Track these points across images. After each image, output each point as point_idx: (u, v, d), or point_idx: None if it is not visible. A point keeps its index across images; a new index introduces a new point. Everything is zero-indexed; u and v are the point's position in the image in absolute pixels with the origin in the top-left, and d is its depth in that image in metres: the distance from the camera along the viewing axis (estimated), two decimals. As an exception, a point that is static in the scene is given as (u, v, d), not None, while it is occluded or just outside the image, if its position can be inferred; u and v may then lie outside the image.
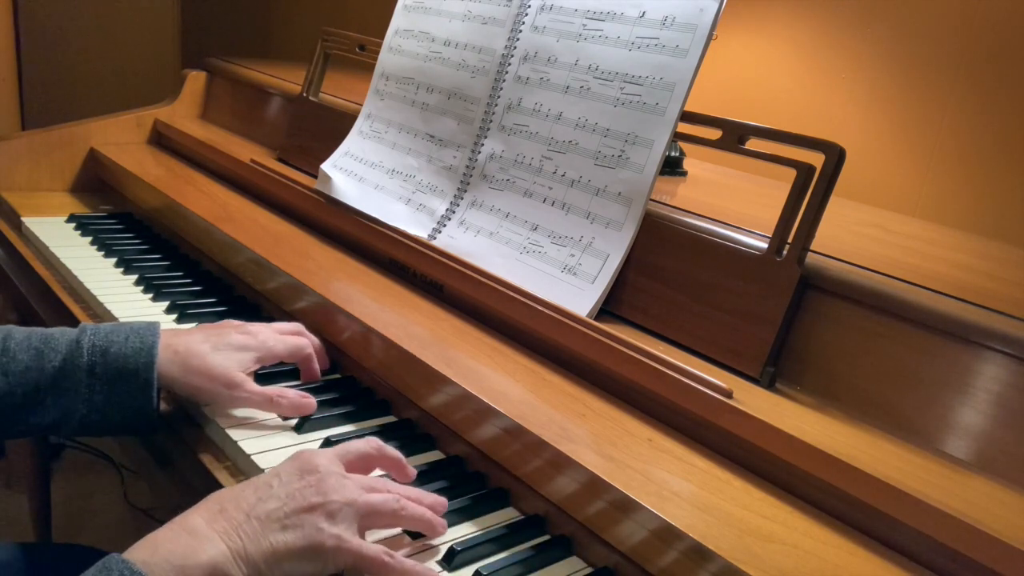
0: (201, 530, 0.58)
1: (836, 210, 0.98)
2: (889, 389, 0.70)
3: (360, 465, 0.70)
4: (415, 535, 0.68)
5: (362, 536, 0.63)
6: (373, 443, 0.71)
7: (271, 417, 0.82)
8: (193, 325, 1.00)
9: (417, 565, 0.62)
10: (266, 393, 0.81)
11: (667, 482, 0.65)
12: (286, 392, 0.81)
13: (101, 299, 1.04)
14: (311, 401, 0.82)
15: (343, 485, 0.63)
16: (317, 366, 0.90)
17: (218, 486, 0.73)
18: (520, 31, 1.01)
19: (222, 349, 0.82)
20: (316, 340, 0.92)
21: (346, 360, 0.94)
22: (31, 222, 1.30)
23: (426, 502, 0.68)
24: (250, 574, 0.58)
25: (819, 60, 1.37)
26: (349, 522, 0.62)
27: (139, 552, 0.56)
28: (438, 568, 0.65)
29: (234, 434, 0.78)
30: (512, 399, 0.75)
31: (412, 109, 1.13)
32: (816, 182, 0.76)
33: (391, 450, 0.72)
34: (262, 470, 0.72)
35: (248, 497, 0.61)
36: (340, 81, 1.49)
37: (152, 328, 0.81)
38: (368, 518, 0.63)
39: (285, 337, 0.87)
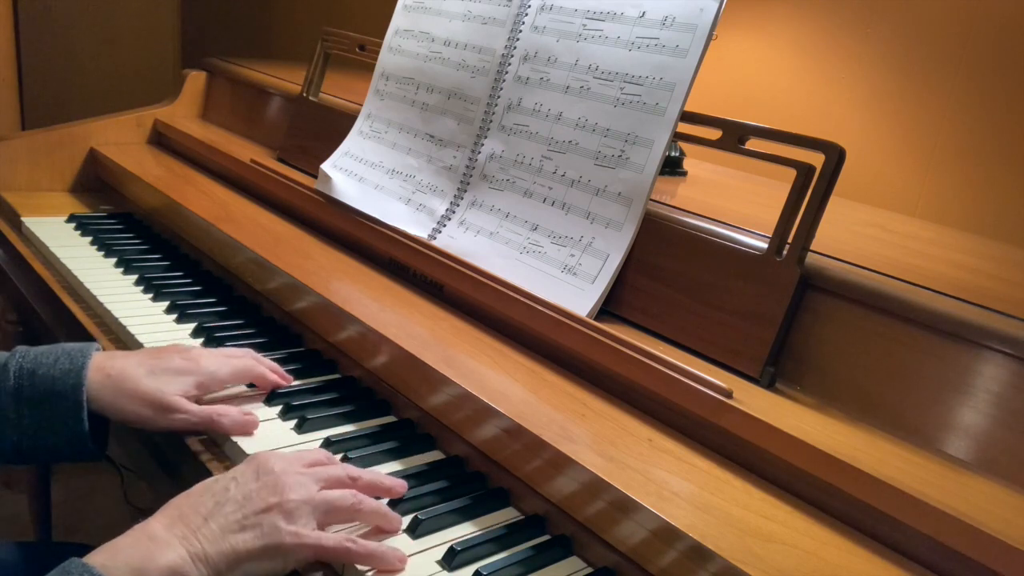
0: (160, 535, 0.59)
1: (836, 210, 0.98)
2: (889, 389, 0.70)
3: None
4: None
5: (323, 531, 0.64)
6: (324, 454, 0.71)
7: (271, 417, 0.82)
8: (193, 325, 1.00)
9: (381, 546, 0.64)
10: (205, 412, 0.77)
11: (667, 482, 0.65)
12: (228, 410, 0.78)
13: (101, 299, 1.04)
14: (254, 419, 0.79)
15: (299, 483, 0.64)
16: (273, 376, 0.86)
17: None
18: (520, 31, 1.01)
19: (158, 374, 0.78)
20: (270, 362, 0.88)
21: (346, 360, 0.94)
22: (31, 222, 1.30)
23: (385, 485, 0.70)
24: (210, 575, 0.59)
25: (819, 60, 1.37)
26: (307, 519, 0.63)
27: (99, 556, 0.57)
28: (437, 568, 0.65)
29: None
30: (512, 399, 0.75)
31: (412, 109, 1.13)
32: (816, 182, 0.76)
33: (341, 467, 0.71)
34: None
35: (206, 502, 0.62)
36: (340, 81, 1.49)
37: (84, 350, 0.78)
38: (327, 514, 0.64)
39: (230, 360, 0.83)
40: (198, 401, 0.81)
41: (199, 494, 0.63)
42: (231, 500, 0.62)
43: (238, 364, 0.84)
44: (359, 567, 0.63)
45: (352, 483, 0.68)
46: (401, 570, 0.63)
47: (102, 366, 0.78)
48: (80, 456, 0.78)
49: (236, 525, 0.60)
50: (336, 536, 0.63)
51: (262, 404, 0.84)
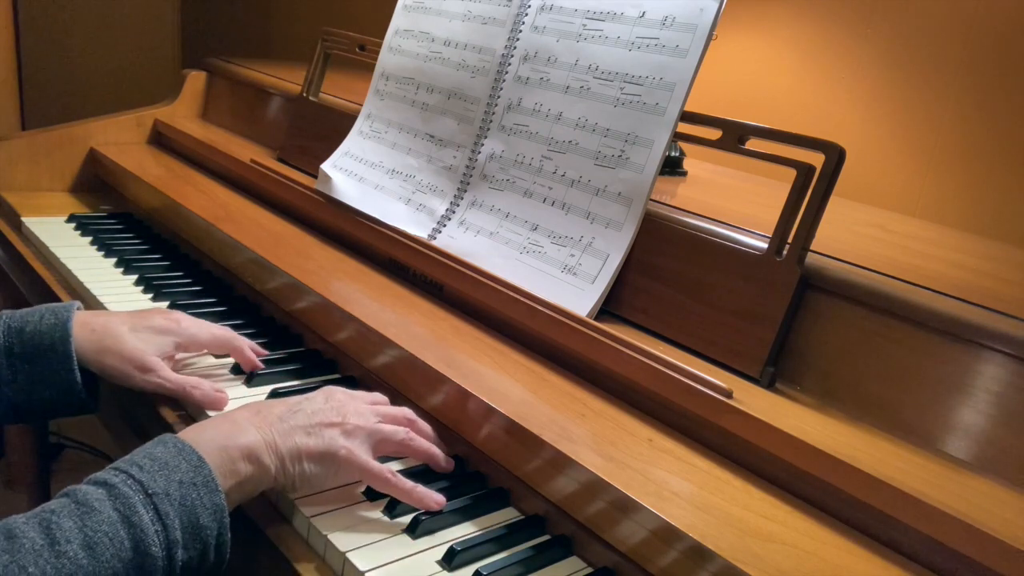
0: (242, 421, 0.68)
1: (836, 210, 0.98)
2: (889, 389, 0.70)
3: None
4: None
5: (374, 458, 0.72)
6: (383, 396, 0.80)
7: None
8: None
9: (420, 486, 0.70)
10: (180, 381, 0.81)
11: (667, 482, 0.65)
12: (201, 383, 0.82)
13: (101, 299, 1.04)
14: (223, 396, 0.82)
15: (360, 412, 0.73)
16: (250, 353, 0.89)
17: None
18: (520, 31, 1.01)
19: (140, 331, 0.83)
20: (247, 341, 0.91)
21: (346, 360, 0.94)
22: (31, 222, 1.30)
23: (433, 436, 0.78)
24: (277, 463, 0.67)
25: (819, 60, 1.37)
26: (362, 441, 0.71)
27: (188, 433, 0.67)
28: (437, 568, 0.65)
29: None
30: (512, 399, 0.75)
31: (412, 109, 1.13)
32: (816, 182, 0.76)
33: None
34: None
35: (281, 408, 0.71)
36: (340, 81, 1.49)
37: (68, 306, 0.83)
38: (380, 443, 0.73)
39: (212, 327, 0.88)
40: (175, 367, 0.86)
41: (276, 403, 0.72)
42: (302, 411, 0.71)
43: (218, 331, 0.88)
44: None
45: (408, 424, 0.76)
46: (436, 509, 0.69)
47: (86, 322, 0.82)
48: (75, 409, 0.82)
49: (303, 430, 0.69)
50: (382, 466, 0.70)
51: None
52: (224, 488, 0.63)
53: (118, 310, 1.01)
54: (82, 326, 0.81)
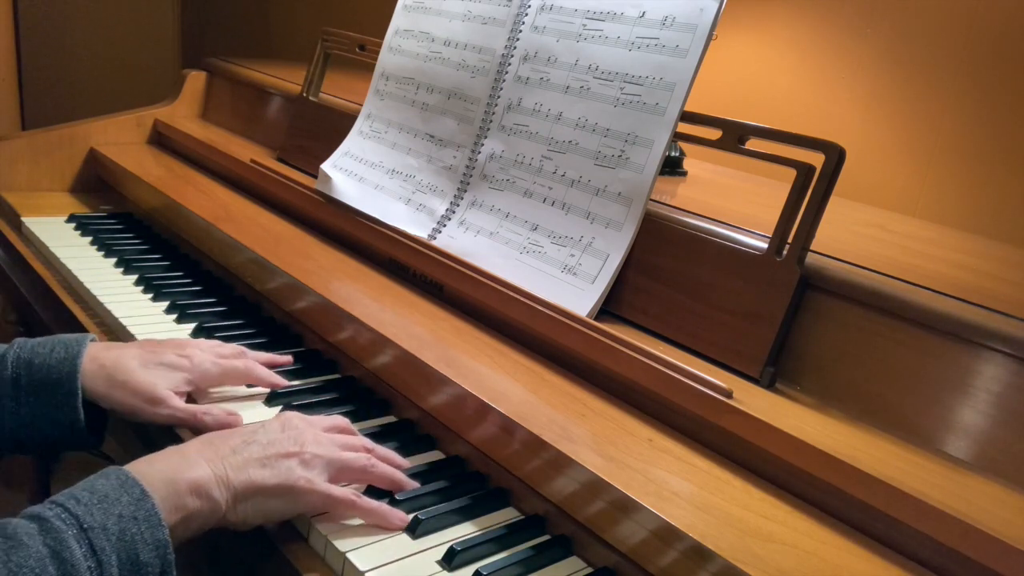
0: (192, 455, 0.66)
1: (836, 210, 0.98)
2: (889, 389, 0.70)
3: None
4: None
5: None
6: (344, 420, 0.78)
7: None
8: (193, 325, 1.00)
9: (383, 505, 0.69)
10: (191, 409, 0.79)
11: (667, 482, 0.65)
12: (211, 409, 0.80)
13: (101, 299, 1.04)
14: (237, 419, 0.80)
15: (318, 440, 0.71)
16: (264, 372, 0.87)
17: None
18: (520, 31, 1.01)
19: (151, 367, 0.81)
20: (262, 355, 0.90)
21: (346, 360, 0.94)
22: (31, 222, 1.30)
23: (397, 461, 0.76)
24: (228, 498, 0.65)
25: (819, 60, 1.37)
26: (321, 470, 0.69)
27: (136, 465, 0.64)
28: (437, 568, 0.65)
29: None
30: (512, 399, 0.75)
31: (412, 109, 1.13)
32: (816, 182, 0.76)
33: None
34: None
35: (235, 439, 0.68)
36: (340, 81, 1.49)
37: (80, 339, 0.80)
38: (340, 471, 0.71)
39: (222, 361, 0.85)
40: (190, 397, 0.83)
41: (230, 433, 0.70)
42: (257, 442, 0.68)
43: (228, 366, 0.85)
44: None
45: (367, 453, 0.74)
46: (401, 528, 0.68)
47: (97, 356, 0.80)
48: (77, 445, 0.80)
49: (258, 462, 0.67)
50: (344, 490, 0.69)
51: (261, 404, 0.85)
52: (169, 523, 0.60)
53: (120, 312, 1.01)
54: (92, 360, 0.79)
